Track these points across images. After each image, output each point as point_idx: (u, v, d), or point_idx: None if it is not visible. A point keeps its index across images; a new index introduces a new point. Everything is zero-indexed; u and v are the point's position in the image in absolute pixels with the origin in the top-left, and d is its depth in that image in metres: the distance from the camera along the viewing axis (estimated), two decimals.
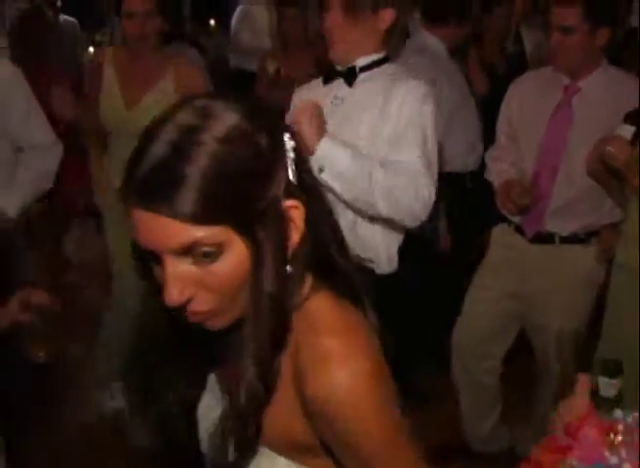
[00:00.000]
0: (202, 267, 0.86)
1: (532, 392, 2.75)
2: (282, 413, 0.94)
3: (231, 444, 0.94)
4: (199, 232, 0.83)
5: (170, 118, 0.87)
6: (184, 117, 0.87)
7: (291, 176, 0.90)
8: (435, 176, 2.02)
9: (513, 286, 2.61)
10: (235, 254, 0.86)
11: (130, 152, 0.87)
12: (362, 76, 2.10)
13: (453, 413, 2.84)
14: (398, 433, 0.93)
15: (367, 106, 2.06)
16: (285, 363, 0.93)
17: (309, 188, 0.94)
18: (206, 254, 0.85)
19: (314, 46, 3.72)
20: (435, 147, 2.05)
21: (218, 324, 0.92)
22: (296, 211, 0.90)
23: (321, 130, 1.96)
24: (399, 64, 2.20)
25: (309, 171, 0.96)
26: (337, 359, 0.88)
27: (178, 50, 3.71)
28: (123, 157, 0.89)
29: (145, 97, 2.74)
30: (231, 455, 0.94)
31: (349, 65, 2.11)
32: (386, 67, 2.13)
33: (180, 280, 0.86)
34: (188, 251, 0.84)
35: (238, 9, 5.22)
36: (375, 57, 2.12)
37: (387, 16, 2.07)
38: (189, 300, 0.88)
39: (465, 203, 3.04)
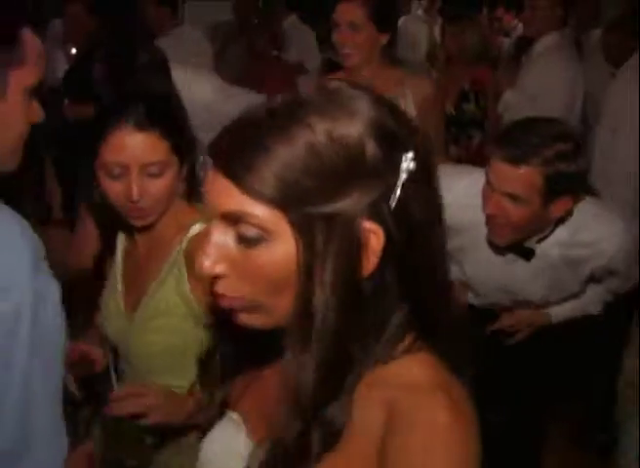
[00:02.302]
0: (243, 250, 0.81)
1: None
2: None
3: None
4: (250, 207, 0.79)
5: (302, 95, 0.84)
6: (314, 96, 0.83)
7: (391, 200, 0.80)
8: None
9: None
10: (281, 249, 0.80)
11: None
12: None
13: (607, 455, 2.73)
14: None
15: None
16: (371, 423, 0.83)
17: (412, 225, 0.82)
18: (248, 239, 0.80)
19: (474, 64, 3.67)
20: None
21: (252, 321, 0.86)
22: (373, 236, 0.80)
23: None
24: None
25: (428, 206, 0.84)
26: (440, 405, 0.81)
27: None
28: None
29: None
30: None
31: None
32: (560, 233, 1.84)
33: (218, 250, 0.82)
34: (234, 221, 0.81)
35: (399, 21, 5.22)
36: (547, 231, 1.82)
37: (562, 205, 1.71)
38: (219, 278, 0.83)
39: None
